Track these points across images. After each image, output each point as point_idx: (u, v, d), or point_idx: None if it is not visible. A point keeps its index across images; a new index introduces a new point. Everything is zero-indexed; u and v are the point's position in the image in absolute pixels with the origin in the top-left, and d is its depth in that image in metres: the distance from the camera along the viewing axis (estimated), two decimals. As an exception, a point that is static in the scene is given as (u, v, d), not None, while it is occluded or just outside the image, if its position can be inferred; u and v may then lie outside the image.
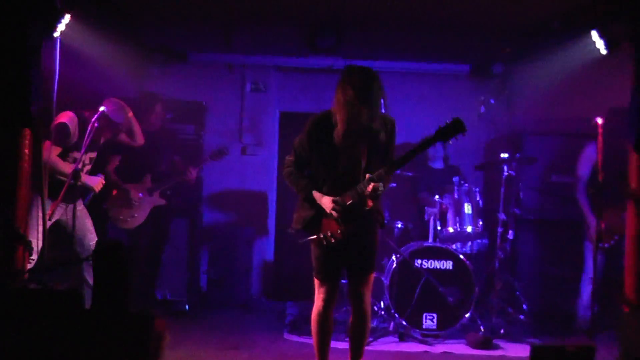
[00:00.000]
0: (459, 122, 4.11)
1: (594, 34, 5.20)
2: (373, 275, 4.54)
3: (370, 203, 4.18)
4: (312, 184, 4.31)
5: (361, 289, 4.43)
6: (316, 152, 4.27)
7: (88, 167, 5.59)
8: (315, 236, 4.31)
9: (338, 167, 4.24)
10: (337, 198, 4.22)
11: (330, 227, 4.25)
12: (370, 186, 4.07)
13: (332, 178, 4.23)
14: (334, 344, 5.34)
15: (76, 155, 5.54)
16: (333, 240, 4.27)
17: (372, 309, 6.41)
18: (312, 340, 4.71)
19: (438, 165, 7.21)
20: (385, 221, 5.95)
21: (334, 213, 4.19)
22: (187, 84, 7.61)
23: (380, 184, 4.10)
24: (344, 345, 5.44)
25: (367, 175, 4.12)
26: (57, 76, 5.13)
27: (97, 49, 6.27)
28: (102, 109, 5.23)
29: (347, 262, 4.43)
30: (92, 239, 5.71)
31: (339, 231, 4.24)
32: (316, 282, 4.57)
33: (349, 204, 4.16)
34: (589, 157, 5.93)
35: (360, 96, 4.05)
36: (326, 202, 4.19)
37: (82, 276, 5.44)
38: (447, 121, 4.12)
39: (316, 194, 4.29)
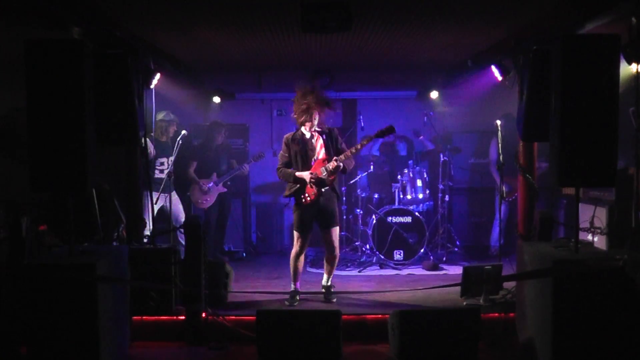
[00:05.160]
0: (391, 127, 5.12)
1: (494, 68, 6.02)
2: (337, 227, 5.33)
3: (332, 177, 5.05)
4: (294, 171, 5.20)
5: (329, 237, 5.30)
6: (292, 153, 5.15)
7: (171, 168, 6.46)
8: (300, 198, 5.06)
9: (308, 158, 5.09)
10: (313, 172, 5.14)
11: (308, 191, 5.20)
12: (333, 165, 5.02)
13: (305, 164, 5.11)
14: (311, 269, 6.78)
15: (162, 159, 6.67)
16: (309, 199, 5.12)
17: (361, 249, 7.30)
18: (290, 270, 5.46)
19: (402, 153, 8.21)
20: (364, 195, 6.93)
21: (312, 180, 5.03)
22: (236, 113, 8.42)
23: (340, 164, 5.08)
24: (316, 270, 6.80)
25: (334, 159, 5.00)
26: (154, 112, 6.48)
27: (177, 94, 7.32)
28: (183, 132, 6.44)
29: (318, 220, 5.28)
30: (182, 216, 6.75)
31: (314, 192, 5.13)
32: (295, 234, 5.32)
33: (321, 176, 5.12)
34: (495, 146, 6.44)
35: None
36: (306, 175, 5.16)
37: (177, 239, 6.31)
38: (384, 126, 5.11)
39: (298, 174, 5.18)
